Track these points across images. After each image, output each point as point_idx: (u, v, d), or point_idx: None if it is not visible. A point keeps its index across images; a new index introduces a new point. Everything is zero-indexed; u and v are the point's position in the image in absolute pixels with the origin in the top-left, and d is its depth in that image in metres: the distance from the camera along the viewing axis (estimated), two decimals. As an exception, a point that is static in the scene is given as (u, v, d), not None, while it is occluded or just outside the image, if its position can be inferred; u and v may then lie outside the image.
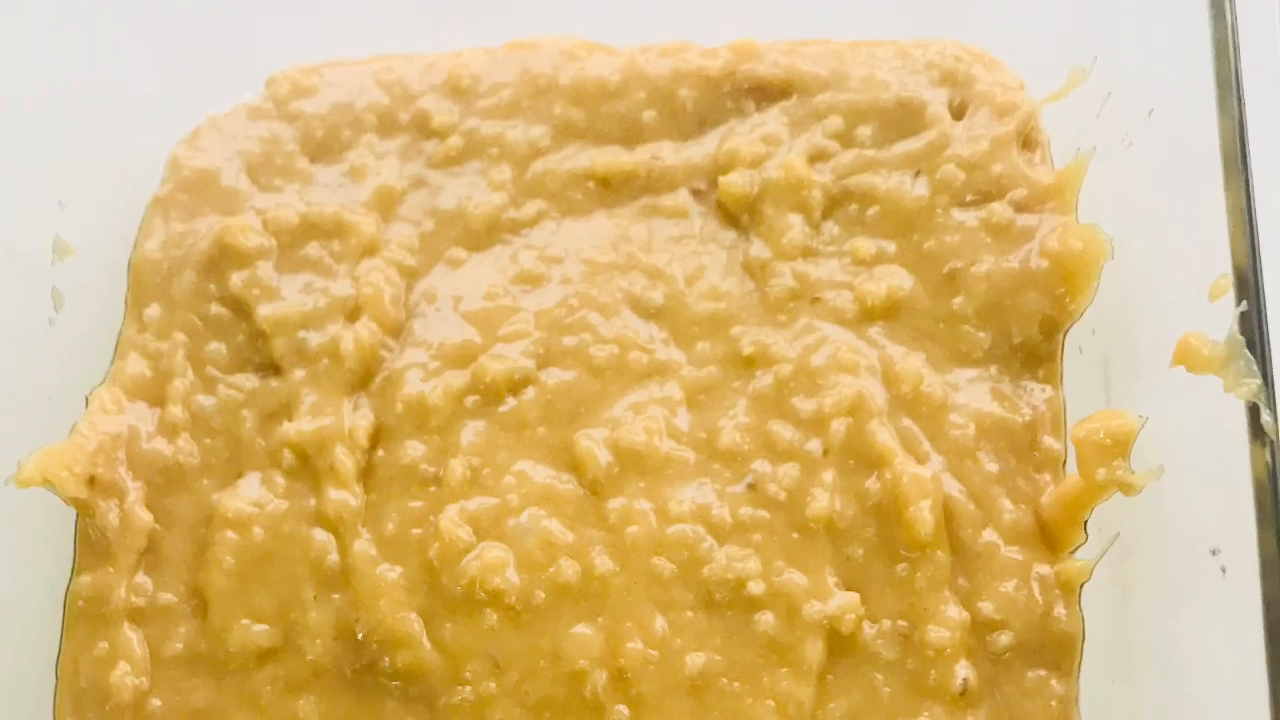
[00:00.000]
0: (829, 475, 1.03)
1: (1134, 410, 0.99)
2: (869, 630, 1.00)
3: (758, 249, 1.12)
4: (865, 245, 1.11)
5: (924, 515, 0.99)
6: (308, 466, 1.08)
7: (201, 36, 1.28)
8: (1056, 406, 1.05)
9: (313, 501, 1.07)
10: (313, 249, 1.17)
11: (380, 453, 1.09)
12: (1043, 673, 0.99)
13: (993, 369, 1.06)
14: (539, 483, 1.05)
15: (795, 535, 1.01)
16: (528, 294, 1.13)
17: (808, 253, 1.12)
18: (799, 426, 1.05)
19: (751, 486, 1.03)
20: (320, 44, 1.28)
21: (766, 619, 1.00)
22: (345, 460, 1.07)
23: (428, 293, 1.15)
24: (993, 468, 1.03)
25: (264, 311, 1.14)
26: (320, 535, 1.06)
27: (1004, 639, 0.99)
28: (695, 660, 0.99)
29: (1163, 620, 0.98)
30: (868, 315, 1.09)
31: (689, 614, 1.01)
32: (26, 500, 1.06)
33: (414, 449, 1.08)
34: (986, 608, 0.99)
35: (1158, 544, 0.98)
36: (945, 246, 1.09)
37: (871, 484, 1.02)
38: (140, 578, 1.08)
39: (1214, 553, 0.90)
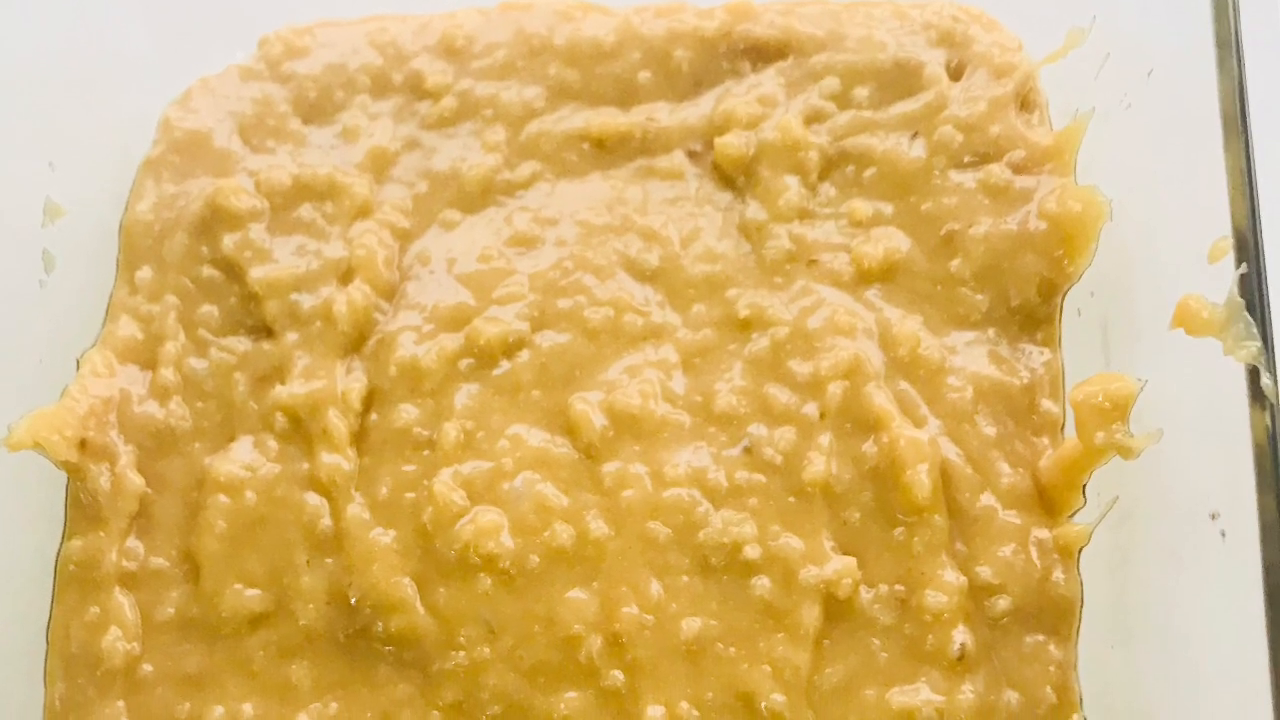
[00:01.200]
0: (825, 439, 1.02)
1: (1133, 373, 0.98)
2: (866, 595, 0.99)
3: (753, 211, 1.11)
4: (862, 207, 1.11)
5: (921, 479, 0.99)
6: (300, 430, 1.08)
7: (193, -3, 1.28)
8: (1055, 369, 1.05)
9: (305, 465, 1.07)
10: (305, 211, 1.16)
11: (373, 416, 1.08)
12: (1041, 638, 0.99)
13: (990, 331, 1.06)
14: (533, 446, 1.05)
15: (791, 499, 1.01)
16: (522, 257, 1.13)
17: (804, 214, 1.11)
18: (795, 390, 1.04)
19: (747, 450, 1.03)
20: (313, 4, 1.27)
21: (763, 583, 0.99)
22: (338, 424, 1.06)
23: (421, 255, 1.14)
24: (990, 432, 1.03)
25: (256, 274, 1.13)
26: (313, 499, 1.05)
27: (1001, 604, 0.99)
28: (691, 625, 0.99)
29: (1162, 585, 0.98)
30: (864, 278, 1.08)
31: (684, 578, 1.00)
32: (17, 464, 1.05)
33: (407, 412, 1.07)
34: (984, 572, 0.99)
35: (1157, 508, 0.98)
36: (943, 208, 1.09)
37: (869, 447, 1.02)
38: (131, 542, 1.07)
39: (1214, 517, 0.90)
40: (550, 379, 1.08)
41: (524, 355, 1.08)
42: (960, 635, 0.98)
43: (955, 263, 1.07)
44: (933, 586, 0.98)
